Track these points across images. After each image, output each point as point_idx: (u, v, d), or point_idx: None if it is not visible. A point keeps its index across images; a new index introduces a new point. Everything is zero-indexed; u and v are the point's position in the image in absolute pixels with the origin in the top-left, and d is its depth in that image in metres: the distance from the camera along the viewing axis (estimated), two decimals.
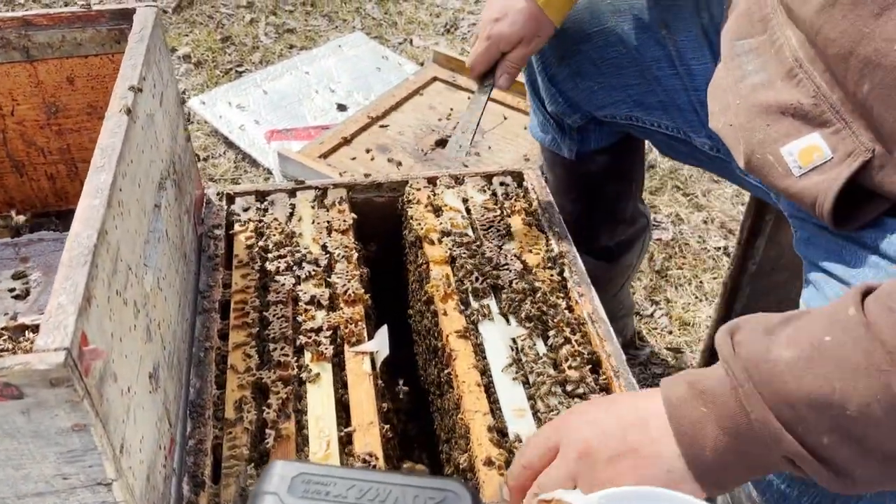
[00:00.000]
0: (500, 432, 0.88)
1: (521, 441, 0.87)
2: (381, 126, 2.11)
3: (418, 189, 1.21)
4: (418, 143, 2.08)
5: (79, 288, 0.61)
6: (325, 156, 2.01)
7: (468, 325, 1.00)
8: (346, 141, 2.06)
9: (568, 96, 1.20)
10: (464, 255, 1.09)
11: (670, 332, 1.65)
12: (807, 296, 0.80)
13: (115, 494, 0.65)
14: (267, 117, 2.18)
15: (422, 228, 1.14)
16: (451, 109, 2.18)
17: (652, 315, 1.69)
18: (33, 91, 1.05)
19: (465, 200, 1.21)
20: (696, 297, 1.73)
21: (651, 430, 0.64)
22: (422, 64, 2.48)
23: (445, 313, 1.02)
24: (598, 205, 1.33)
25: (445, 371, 0.97)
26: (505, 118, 2.14)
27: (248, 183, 2.03)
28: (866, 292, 0.60)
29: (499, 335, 0.99)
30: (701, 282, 1.76)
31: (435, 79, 2.31)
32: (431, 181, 1.24)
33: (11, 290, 1.04)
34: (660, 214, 1.93)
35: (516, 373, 0.94)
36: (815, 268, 0.80)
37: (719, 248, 1.83)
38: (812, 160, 0.74)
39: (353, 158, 2.01)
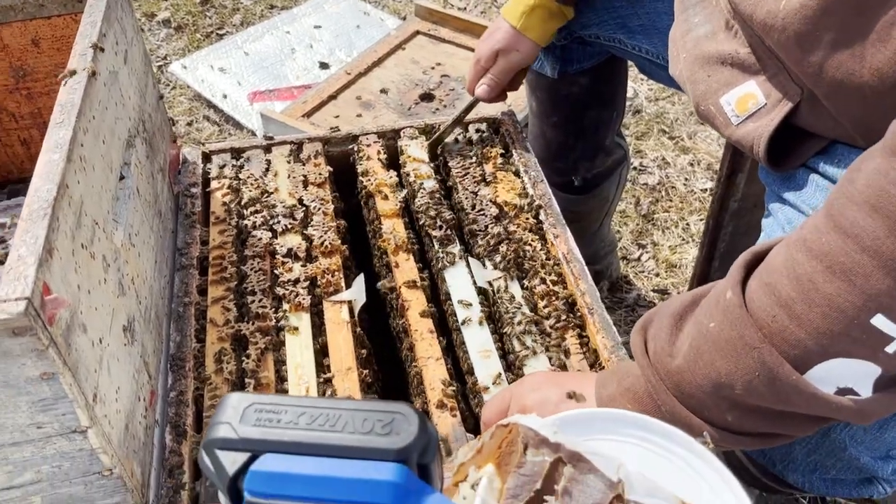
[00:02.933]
0: (459, 375, 0.90)
1: (481, 381, 0.88)
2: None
3: (368, 145, 1.21)
4: (402, 98, 2.06)
5: (39, 240, 0.62)
6: (308, 115, 2.00)
7: (424, 274, 1.02)
8: (330, 99, 2.05)
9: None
10: (426, 205, 1.09)
11: (657, 275, 1.66)
12: (765, 223, 0.82)
13: (91, 441, 0.67)
14: (249, 79, 2.16)
15: (372, 184, 1.14)
16: (438, 64, 2.16)
17: (639, 259, 1.70)
18: (0, 56, 1.05)
19: (442, 148, 1.21)
20: (683, 239, 1.73)
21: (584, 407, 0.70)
22: (404, 18, 2.45)
23: (397, 265, 1.03)
24: (578, 131, 1.34)
25: (400, 321, 0.98)
26: None
27: None
28: (753, 262, 0.64)
29: (467, 280, 1.00)
30: (687, 223, 1.76)
31: (417, 32, 2.28)
32: (395, 134, 1.23)
33: None
34: (646, 159, 1.92)
35: (484, 316, 0.95)
36: (773, 195, 0.81)
37: (705, 189, 1.83)
38: (747, 108, 0.78)
39: (337, 116, 1.99)
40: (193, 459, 0.83)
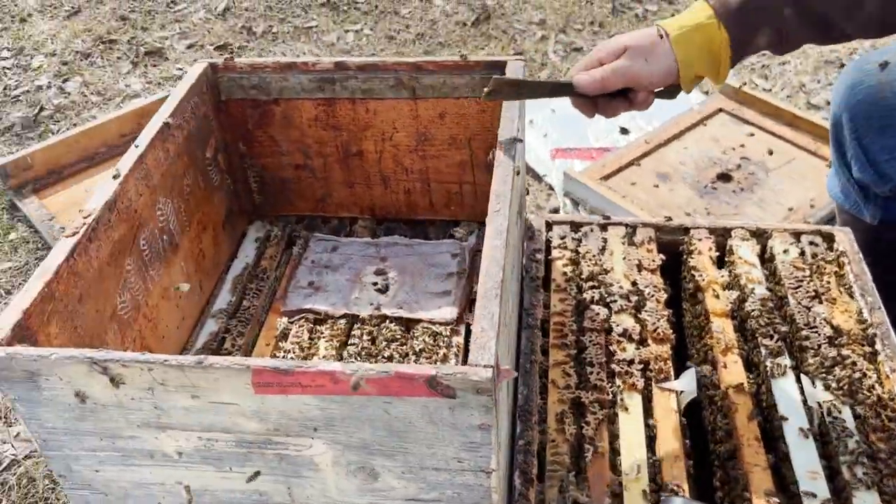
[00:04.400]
0: (783, 489, 0.94)
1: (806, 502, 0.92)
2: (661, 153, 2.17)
3: (699, 239, 1.27)
4: (699, 174, 2.12)
5: (494, 317, 0.77)
6: (606, 178, 2.12)
7: (754, 380, 1.07)
8: (628, 165, 2.15)
9: (881, 168, 1.19)
10: (758, 311, 1.14)
11: None
12: None
13: (492, 481, 0.81)
14: (553, 135, 2.33)
15: (703, 280, 1.21)
16: (741, 146, 2.18)
17: None
18: (411, 123, 1.26)
19: (771, 256, 1.25)
20: None
21: None
22: (707, 93, 2.49)
23: (725, 366, 1.09)
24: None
25: (723, 422, 1.04)
26: (793, 159, 2.11)
27: (531, 198, 2.19)
28: None
29: (796, 395, 1.04)
30: None
31: (720, 110, 2.32)
32: (725, 232, 1.29)
33: (374, 283, 1.26)
34: None
35: (813, 436, 0.99)
36: None
37: None
38: None
39: (633, 184, 2.09)
40: None
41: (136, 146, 1.06)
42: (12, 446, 1.59)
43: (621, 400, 1.06)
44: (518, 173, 1.02)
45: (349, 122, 1.28)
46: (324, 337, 1.18)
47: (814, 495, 0.93)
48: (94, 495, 0.93)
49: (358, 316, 1.21)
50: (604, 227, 1.34)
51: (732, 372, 1.09)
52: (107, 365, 0.76)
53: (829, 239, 1.28)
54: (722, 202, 2.03)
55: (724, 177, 2.10)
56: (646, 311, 1.18)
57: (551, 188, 2.21)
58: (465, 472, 0.81)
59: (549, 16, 2.94)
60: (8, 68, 2.81)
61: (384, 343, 1.16)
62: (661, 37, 0.97)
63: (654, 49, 0.97)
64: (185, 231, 1.18)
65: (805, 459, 0.97)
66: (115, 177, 1.01)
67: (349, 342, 1.18)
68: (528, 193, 2.21)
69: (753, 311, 1.15)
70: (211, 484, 0.88)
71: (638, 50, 0.97)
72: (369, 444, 0.80)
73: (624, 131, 2.36)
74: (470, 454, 0.79)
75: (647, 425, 1.04)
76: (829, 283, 1.19)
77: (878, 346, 1.09)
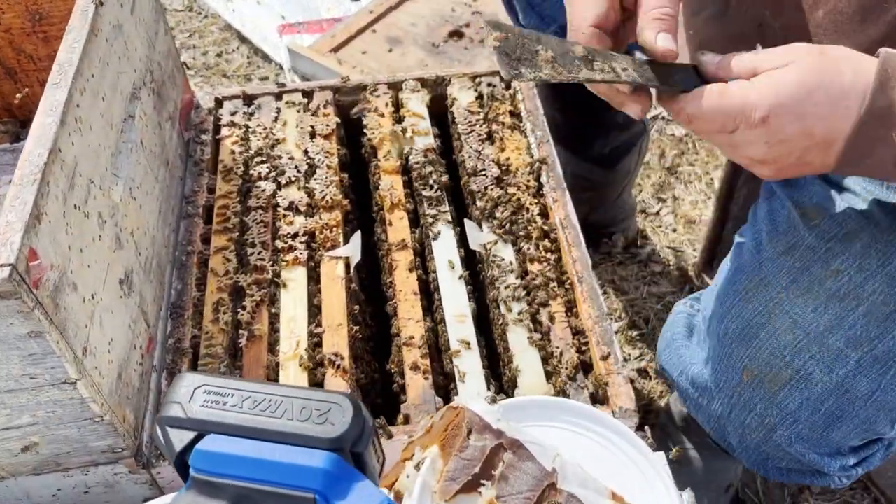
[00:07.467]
0: (435, 338, 0.93)
1: (452, 346, 0.91)
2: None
3: (377, 96, 1.20)
4: (431, 34, 2.03)
5: (27, 206, 0.65)
6: (335, 50, 1.99)
7: (415, 234, 1.03)
8: (358, 33, 2.03)
9: (541, 10, 1.16)
10: (420, 162, 1.09)
11: (674, 230, 1.65)
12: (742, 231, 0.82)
13: (81, 392, 0.71)
14: (280, 10, 2.15)
15: (376, 137, 1.14)
16: (475, 0, 2.11)
17: (658, 213, 1.68)
18: (17, 0, 1.07)
19: (451, 102, 1.20)
20: (706, 195, 1.70)
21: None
22: None
23: (391, 223, 1.04)
24: (585, 113, 1.30)
25: (388, 280, 1.01)
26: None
27: (260, 80, 2.03)
28: None
29: (453, 242, 1.01)
30: (712, 179, 1.73)
31: None
32: (395, 85, 1.22)
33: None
34: None
35: (464, 279, 0.97)
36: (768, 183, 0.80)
37: None
38: None
39: (364, 52, 1.98)
40: None
41: None
42: None
43: (284, 276, 0.99)
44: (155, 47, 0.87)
45: None
46: None
47: (461, 340, 0.91)
48: None
49: None
50: (279, 96, 1.22)
51: (397, 228, 1.04)
52: None
53: (507, 80, 1.23)
54: (454, 60, 1.97)
55: (457, 34, 2.03)
56: (315, 179, 1.10)
57: (282, 68, 2.06)
58: (44, 387, 0.71)
59: None
60: None
61: None
62: None
63: None
64: None
65: (454, 304, 0.95)
66: None
67: None
68: (248, 79, 2.04)
69: (415, 163, 1.10)
70: None
71: None
72: None
73: None
74: (38, 367, 0.68)
75: (313, 298, 0.98)
76: (502, 123, 1.15)
77: (544, 179, 1.07)
